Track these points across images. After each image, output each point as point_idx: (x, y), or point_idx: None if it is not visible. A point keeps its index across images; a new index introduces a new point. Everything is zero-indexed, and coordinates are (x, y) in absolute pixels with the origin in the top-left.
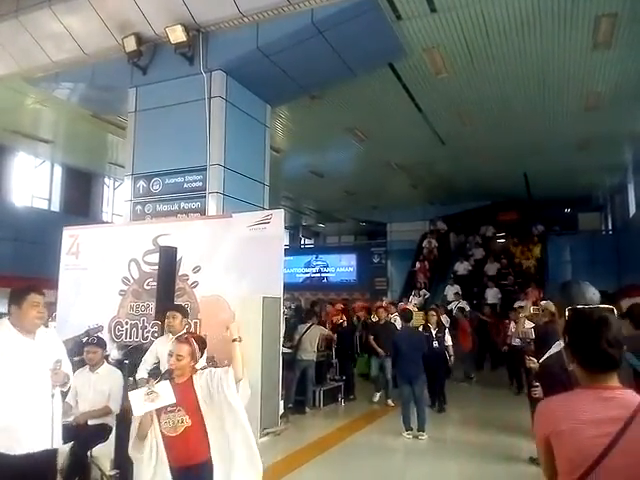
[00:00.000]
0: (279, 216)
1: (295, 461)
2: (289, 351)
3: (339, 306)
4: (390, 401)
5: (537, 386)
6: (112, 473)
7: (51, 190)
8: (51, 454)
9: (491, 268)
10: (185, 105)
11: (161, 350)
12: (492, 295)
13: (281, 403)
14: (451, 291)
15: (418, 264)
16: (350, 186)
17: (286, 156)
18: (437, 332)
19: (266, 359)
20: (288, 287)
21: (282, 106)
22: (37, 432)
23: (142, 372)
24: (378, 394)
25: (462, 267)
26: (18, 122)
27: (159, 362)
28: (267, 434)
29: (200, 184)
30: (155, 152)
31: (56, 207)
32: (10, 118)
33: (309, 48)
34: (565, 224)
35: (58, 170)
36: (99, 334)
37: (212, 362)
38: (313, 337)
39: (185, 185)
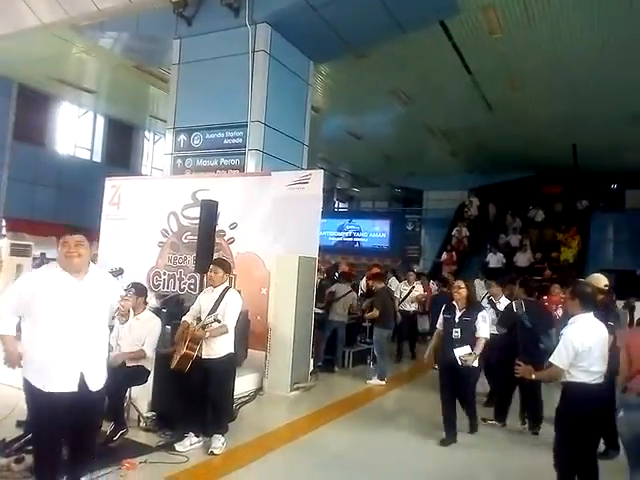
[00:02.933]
0: (318, 176)
1: (322, 417)
2: (321, 312)
3: (375, 270)
4: (375, 379)
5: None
6: (149, 415)
7: (93, 140)
8: (100, 394)
9: (522, 259)
10: (228, 59)
11: (203, 301)
12: None
13: (311, 360)
14: (479, 285)
15: (445, 255)
16: (388, 150)
17: (324, 116)
18: (463, 314)
19: (299, 317)
20: (320, 249)
21: (324, 64)
22: (71, 373)
23: (186, 316)
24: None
25: (495, 259)
26: (63, 71)
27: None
28: (297, 388)
29: (240, 140)
30: (197, 106)
31: (98, 158)
32: (56, 66)
33: (358, 2)
34: (611, 201)
35: (100, 121)
36: (138, 281)
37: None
38: (347, 301)
39: (225, 141)
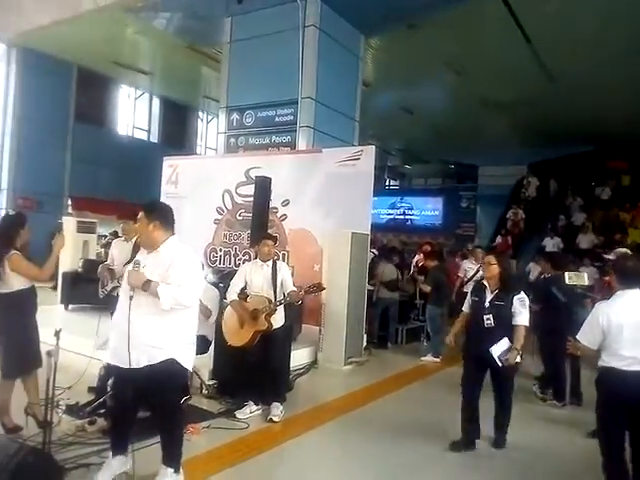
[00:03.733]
0: (370, 152)
1: (377, 390)
2: (372, 288)
3: (426, 248)
4: (429, 357)
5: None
6: (210, 382)
7: (150, 122)
8: (164, 367)
9: (584, 240)
10: (279, 35)
11: (249, 274)
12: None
13: (364, 336)
14: (535, 270)
15: (499, 238)
16: (441, 125)
17: (375, 90)
18: (495, 296)
19: (352, 293)
20: (372, 227)
21: (375, 36)
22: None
23: (232, 295)
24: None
25: (551, 243)
26: (119, 53)
27: (246, 285)
28: (351, 363)
29: (291, 118)
30: (248, 84)
31: (155, 138)
32: (112, 49)
33: None
34: None
35: (156, 103)
36: None
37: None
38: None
39: (277, 119)
